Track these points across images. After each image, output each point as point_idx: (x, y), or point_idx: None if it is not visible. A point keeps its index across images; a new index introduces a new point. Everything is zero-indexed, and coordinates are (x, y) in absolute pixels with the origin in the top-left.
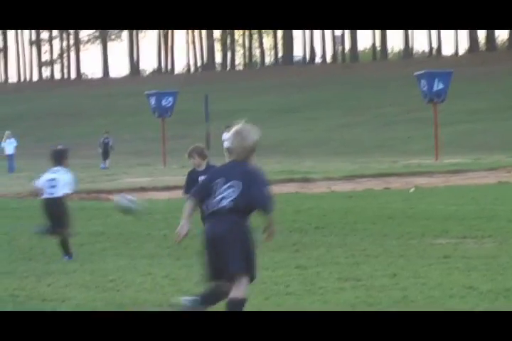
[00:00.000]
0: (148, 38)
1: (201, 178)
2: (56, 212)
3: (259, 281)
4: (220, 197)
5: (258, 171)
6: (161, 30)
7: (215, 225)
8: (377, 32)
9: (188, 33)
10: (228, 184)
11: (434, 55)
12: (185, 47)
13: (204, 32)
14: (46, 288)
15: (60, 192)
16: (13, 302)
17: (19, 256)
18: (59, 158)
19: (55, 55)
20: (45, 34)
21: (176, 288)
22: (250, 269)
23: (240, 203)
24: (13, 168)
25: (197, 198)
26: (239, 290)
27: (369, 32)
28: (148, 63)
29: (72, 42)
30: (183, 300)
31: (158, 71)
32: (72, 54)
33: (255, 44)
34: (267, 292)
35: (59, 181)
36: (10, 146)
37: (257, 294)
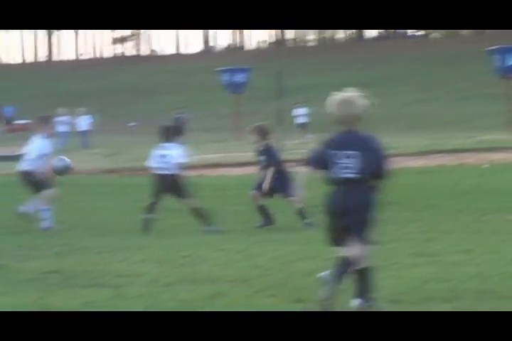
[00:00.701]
0: None
1: (260, 158)
2: (173, 187)
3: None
4: (341, 167)
5: (373, 138)
6: None
7: (340, 194)
8: None
9: None
10: (347, 154)
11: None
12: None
13: None
14: (120, 263)
15: (173, 167)
16: (88, 278)
17: (93, 232)
18: (169, 134)
19: (128, 32)
20: None
21: (250, 263)
22: (369, 236)
23: (363, 172)
24: (87, 145)
25: (314, 168)
26: (357, 252)
27: None
28: (221, 39)
29: None
30: (322, 276)
31: (230, 47)
32: (144, 31)
33: None
34: None
35: (172, 157)
36: (84, 123)
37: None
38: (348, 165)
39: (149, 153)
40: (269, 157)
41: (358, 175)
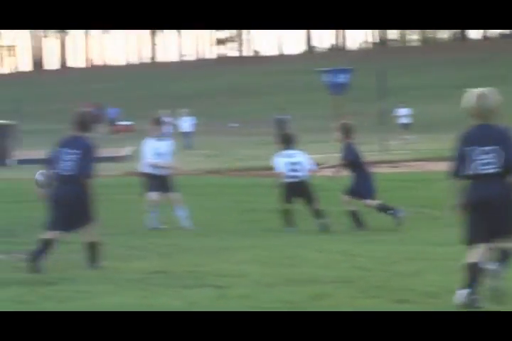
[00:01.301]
0: None
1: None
2: (305, 192)
3: (440, 257)
4: (481, 163)
5: (509, 131)
6: None
7: (482, 190)
8: None
9: None
10: (486, 149)
11: None
12: None
13: None
14: (223, 264)
15: (304, 173)
16: (192, 278)
17: (197, 232)
18: (292, 141)
19: (231, 33)
20: None
21: (351, 264)
22: None
23: (503, 167)
24: (190, 146)
25: (457, 175)
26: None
27: None
28: (324, 40)
29: None
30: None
31: (332, 48)
32: (247, 32)
33: None
34: (444, 268)
35: (302, 164)
36: (187, 124)
37: (435, 270)
38: (488, 161)
39: (250, 155)
40: (347, 156)
41: (498, 170)
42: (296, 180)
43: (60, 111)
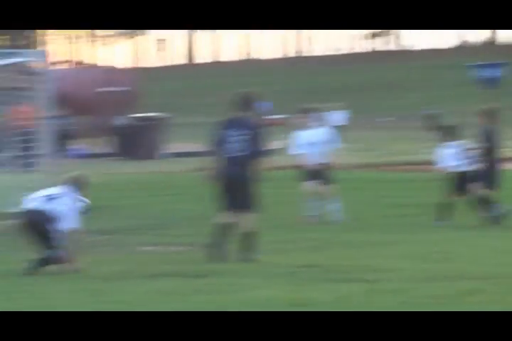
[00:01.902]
0: None
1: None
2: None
3: None
4: None
5: None
6: None
7: None
8: None
9: None
10: None
11: None
12: None
13: None
14: (373, 258)
15: (470, 164)
16: (342, 272)
17: (347, 227)
18: (454, 133)
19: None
20: None
21: (502, 260)
22: None
23: None
24: (339, 140)
25: None
26: None
27: None
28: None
29: None
30: None
31: (486, 42)
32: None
33: None
34: None
35: (466, 155)
36: (338, 118)
37: None
38: None
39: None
40: (484, 140)
41: None
42: (460, 169)
43: (212, 105)
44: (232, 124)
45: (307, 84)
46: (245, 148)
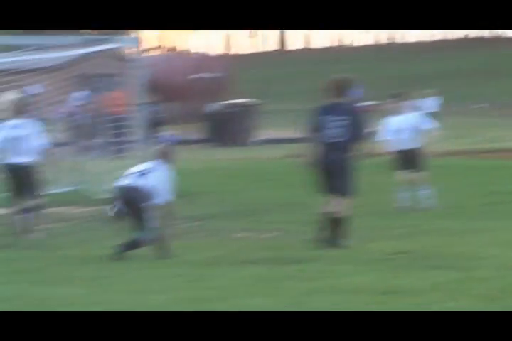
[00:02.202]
0: None
1: None
2: None
3: None
4: None
5: None
6: None
7: None
8: None
9: None
10: None
11: None
12: None
13: None
14: (467, 246)
15: None
16: (436, 259)
17: (438, 214)
18: None
19: None
20: None
21: None
22: None
23: None
24: (431, 126)
25: None
26: None
27: None
28: None
29: None
30: None
31: None
32: None
33: None
34: None
35: None
36: (431, 104)
37: None
38: None
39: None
40: None
41: None
42: None
43: (304, 92)
44: (330, 110)
45: (398, 71)
46: (344, 134)
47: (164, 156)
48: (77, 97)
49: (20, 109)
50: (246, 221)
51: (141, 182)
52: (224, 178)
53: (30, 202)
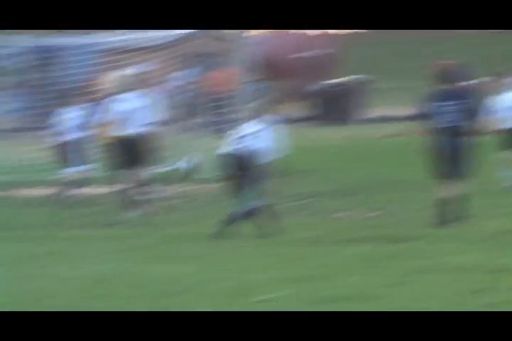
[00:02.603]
0: None
1: None
2: None
3: None
4: None
5: None
6: None
7: None
8: None
9: None
10: None
11: None
12: None
13: None
14: None
15: None
16: None
17: None
18: None
19: None
20: None
21: None
22: None
23: None
24: None
25: None
26: None
27: None
28: None
29: None
30: None
31: None
32: None
33: None
34: None
35: None
36: None
37: None
38: None
39: None
40: None
41: None
42: None
43: (413, 70)
44: (442, 95)
45: (501, 51)
46: (458, 119)
47: (265, 114)
48: (180, 76)
49: (132, 84)
50: (349, 200)
51: (250, 146)
52: (329, 156)
53: (140, 177)
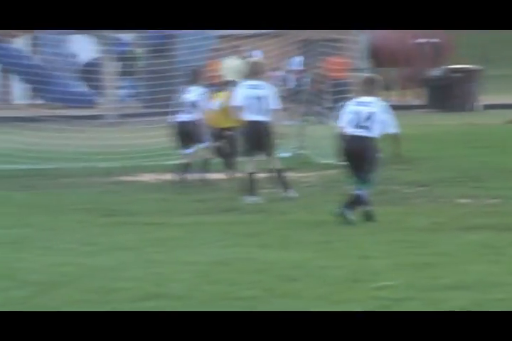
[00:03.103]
0: None
1: None
2: None
3: None
4: None
5: None
6: None
7: None
8: None
9: None
10: None
11: None
12: None
13: None
14: None
15: None
16: None
17: None
18: None
19: None
20: None
21: None
22: None
23: None
24: None
25: None
26: None
27: None
28: None
29: None
30: None
31: None
32: None
33: None
34: None
35: None
36: None
37: None
38: None
39: None
40: None
41: None
42: None
43: None
44: None
45: None
46: None
47: (380, 100)
48: (295, 62)
49: (257, 71)
50: (466, 187)
51: (366, 132)
52: (443, 144)
53: (265, 163)
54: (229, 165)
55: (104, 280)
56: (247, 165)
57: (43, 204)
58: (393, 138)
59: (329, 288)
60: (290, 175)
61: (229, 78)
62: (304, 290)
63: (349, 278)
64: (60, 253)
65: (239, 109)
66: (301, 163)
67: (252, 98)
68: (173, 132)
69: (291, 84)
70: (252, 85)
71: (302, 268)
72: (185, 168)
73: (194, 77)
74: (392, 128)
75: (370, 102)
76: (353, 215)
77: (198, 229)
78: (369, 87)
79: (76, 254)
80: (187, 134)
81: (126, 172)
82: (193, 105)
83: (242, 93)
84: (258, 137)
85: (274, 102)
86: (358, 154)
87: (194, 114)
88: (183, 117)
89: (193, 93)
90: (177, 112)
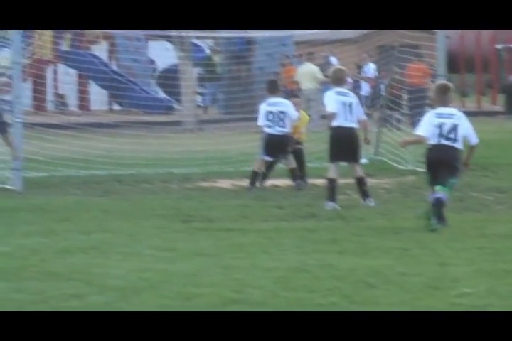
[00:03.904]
0: None
1: None
2: None
3: None
4: None
5: None
6: None
7: None
8: None
9: None
10: None
11: None
12: None
13: None
14: None
15: None
16: None
17: None
18: None
19: None
20: None
21: None
22: None
23: None
24: None
25: None
26: None
27: None
28: None
29: None
30: None
31: None
32: None
33: None
34: None
35: None
36: None
37: None
38: None
39: None
40: None
41: None
42: None
43: None
44: None
45: None
46: None
47: (448, 96)
48: (369, 69)
49: (342, 78)
50: None
51: (448, 139)
52: None
53: (353, 169)
54: (298, 176)
55: (183, 286)
56: (330, 171)
57: (121, 210)
58: (471, 147)
59: (409, 295)
60: (368, 181)
61: (303, 85)
62: (383, 297)
63: (429, 285)
64: (139, 259)
65: (333, 115)
66: (379, 169)
67: (343, 104)
68: (264, 143)
69: (365, 90)
70: (340, 92)
71: (381, 275)
72: (266, 173)
73: (274, 87)
74: (474, 140)
75: (451, 114)
76: (437, 225)
77: (276, 235)
78: (444, 96)
79: (155, 260)
80: (279, 146)
81: (204, 178)
82: (284, 117)
83: (336, 99)
84: (347, 144)
85: (360, 109)
86: (443, 163)
87: (286, 127)
88: (276, 130)
89: (280, 106)
90: (265, 123)
